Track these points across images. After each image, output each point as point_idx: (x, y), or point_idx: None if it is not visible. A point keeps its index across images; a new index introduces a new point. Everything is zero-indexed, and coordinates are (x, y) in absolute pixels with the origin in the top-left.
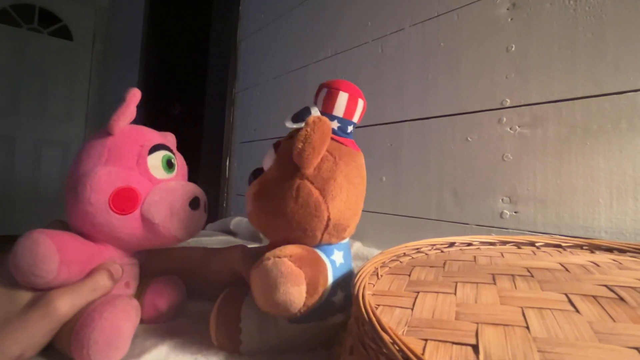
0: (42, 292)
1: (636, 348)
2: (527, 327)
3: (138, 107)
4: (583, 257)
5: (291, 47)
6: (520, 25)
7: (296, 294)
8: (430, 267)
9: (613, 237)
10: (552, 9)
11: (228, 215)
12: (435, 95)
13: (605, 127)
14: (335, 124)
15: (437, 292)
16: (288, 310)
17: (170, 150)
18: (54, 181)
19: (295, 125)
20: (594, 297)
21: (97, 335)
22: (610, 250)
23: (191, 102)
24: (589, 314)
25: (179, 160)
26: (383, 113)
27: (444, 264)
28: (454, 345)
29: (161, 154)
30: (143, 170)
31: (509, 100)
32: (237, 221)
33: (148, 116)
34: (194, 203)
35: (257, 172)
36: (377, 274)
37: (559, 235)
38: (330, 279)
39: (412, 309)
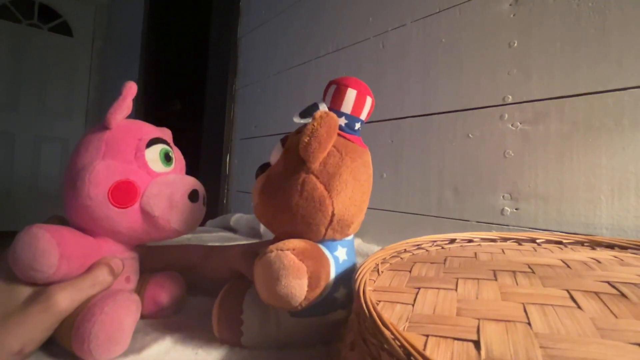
0: (42, 287)
1: (638, 344)
2: (529, 323)
3: (138, 103)
4: (584, 254)
5: (292, 43)
6: (522, 21)
7: (298, 287)
8: (431, 263)
9: (614, 234)
10: (555, 5)
11: (228, 212)
12: (437, 91)
13: (608, 124)
14: (342, 121)
15: (438, 288)
16: (289, 303)
17: (168, 144)
18: (53, 177)
19: (303, 121)
20: (596, 293)
21: (97, 330)
22: (611, 247)
23: (191, 98)
24: (590, 310)
25: (176, 154)
26: (384, 109)
27: (445, 260)
28: (455, 341)
29: (159, 148)
30: (141, 164)
31: (510, 97)
32: (238, 218)
33: (148, 113)
34: (193, 196)
35: (265, 167)
36: (378, 270)
37: (560, 232)
38: (333, 275)
39: (413, 305)
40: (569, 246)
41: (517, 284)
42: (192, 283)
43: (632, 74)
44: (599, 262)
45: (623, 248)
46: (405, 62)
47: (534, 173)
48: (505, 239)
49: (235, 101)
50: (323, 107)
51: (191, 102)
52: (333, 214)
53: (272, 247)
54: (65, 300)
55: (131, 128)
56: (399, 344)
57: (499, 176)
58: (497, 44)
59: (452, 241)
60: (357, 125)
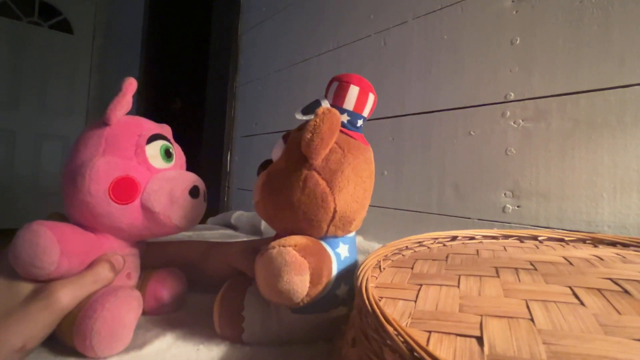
0: (43, 284)
1: None
2: (532, 320)
3: (139, 101)
4: (586, 251)
5: (293, 40)
6: (525, 18)
7: (299, 283)
8: (433, 260)
9: (616, 232)
10: (558, 2)
11: (229, 209)
12: (438, 89)
13: (610, 121)
14: (345, 117)
15: (440, 285)
16: (291, 299)
17: (168, 140)
18: (54, 175)
19: (305, 117)
20: (599, 290)
21: (99, 326)
22: (613, 244)
23: (192, 96)
24: (594, 306)
25: (177, 150)
26: (385, 107)
27: (447, 257)
28: (458, 337)
29: (159, 144)
30: (142, 160)
31: (512, 94)
32: (238, 215)
33: (149, 110)
34: (193, 191)
35: (266, 163)
36: (380, 267)
37: (562, 229)
38: (335, 272)
39: (415, 302)
40: (571, 244)
41: (519, 280)
42: (192, 279)
43: (634, 72)
44: (601, 259)
45: (625, 245)
46: (407, 60)
47: (535, 170)
48: (507, 237)
49: (236, 99)
50: (325, 104)
51: (192, 99)
52: (335, 211)
53: (273, 243)
54: (66, 297)
55: (131, 124)
56: (402, 339)
57: (500, 174)
58: (499, 41)
59: (454, 238)
60: (360, 122)
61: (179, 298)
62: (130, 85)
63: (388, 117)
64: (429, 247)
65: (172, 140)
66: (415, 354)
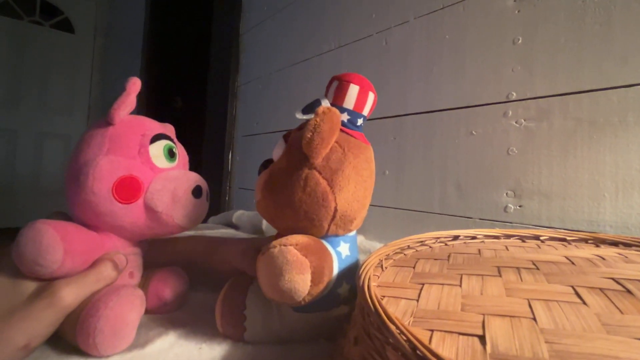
0: (47, 283)
1: None
2: (534, 319)
3: (140, 100)
4: (588, 251)
5: (294, 40)
6: (527, 17)
7: (301, 282)
8: (435, 259)
9: (618, 231)
10: (560, 1)
11: (230, 209)
12: (440, 88)
13: (612, 121)
14: (345, 117)
15: (442, 284)
16: (292, 298)
17: (171, 140)
18: (55, 174)
19: (305, 117)
20: (601, 289)
21: (102, 325)
22: (615, 244)
23: (193, 95)
24: (596, 306)
25: (180, 150)
26: (387, 106)
27: (449, 256)
28: (461, 336)
29: (163, 143)
30: (145, 160)
31: (514, 94)
32: (239, 214)
33: (150, 109)
34: (196, 191)
35: (267, 163)
36: (382, 266)
37: (564, 229)
38: (336, 270)
39: (418, 301)
40: (573, 243)
41: (521, 280)
42: (194, 277)
43: (637, 71)
44: (603, 259)
45: (627, 245)
46: (409, 59)
47: (537, 170)
48: (508, 236)
49: (237, 98)
50: (325, 103)
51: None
52: (336, 210)
53: (275, 242)
54: (70, 295)
55: (134, 124)
56: (404, 338)
57: (502, 173)
58: (501, 41)
59: (456, 238)
60: (360, 121)
61: (181, 297)
62: (134, 85)
63: (389, 116)
64: (430, 247)
65: (175, 139)
66: (418, 352)
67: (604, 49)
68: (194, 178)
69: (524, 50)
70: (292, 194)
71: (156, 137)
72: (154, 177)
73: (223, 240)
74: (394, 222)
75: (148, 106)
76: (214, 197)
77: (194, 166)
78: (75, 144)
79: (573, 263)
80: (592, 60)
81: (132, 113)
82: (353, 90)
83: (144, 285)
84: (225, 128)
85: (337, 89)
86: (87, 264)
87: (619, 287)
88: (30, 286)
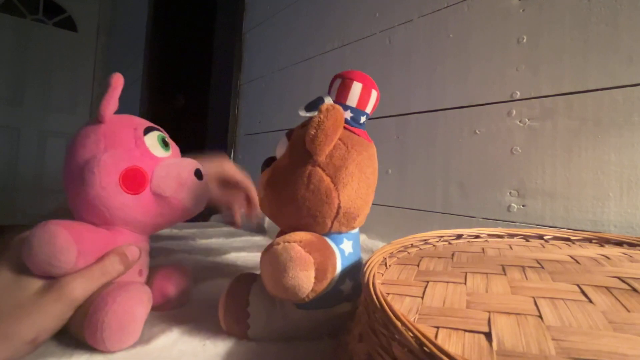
0: (54, 278)
1: None
2: (540, 316)
3: (142, 98)
4: (593, 250)
5: (297, 38)
6: (532, 16)
7: (304, 278)
8: (439, 258)
9: (622, 231)
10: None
11: None
12: (444, 87)
13: (617, 120)
14: (348, 114)
15: (447, 282)
16: (296, 294)
17: (159, 130)
18: (58, 172)
19: (308, 114)
20: (607, 288)
21: (110, 320)
22: (620, 244)
23: (196, 94)
24: (602, 304)
25: (170, 140)
26: (390, 105)
27: (453, 255)
28: (467, 333)
29: (156, 134)
30: (143, 150)
31: (519, 93)
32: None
33: (152, 108)
34: (198, 173)
35: (270, 161)
36: (386, 264)
37: (568, 229)
38: (339, 267)
39: (422, 298)
40: (577, 243)
41: (526, 278)
42: (198, 273)
43: None
44: (608, 258)
45: (632, 245)
46: (412, 58)
47: (541, 170)
48: (512, 235)
49: (239, 97)
50: (328, 101)
51: (196, 97)
52: (339, 207)
53: (278, 239)
54: (78, 288)
55: (123, 119)
56: (411, 334)
57: (505, 173)
58: (505, 40)
59: (459, 237)
60: (363, 119)
61: (184, 293)
62: (119, 80)
63: (393, 115)
64: (434, 245)
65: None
66: (425, 348)
67: (609, 48)
68: (192, 162)
69: (529, 50)
70: (295, 191)
71: (148, 129)
72: (155, 165)
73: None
74: (397, 221)
75: (150, 105)
76: None
77: None
78: (66, 147)
79: (578, 262)
80: (597, 60)
81: (134, 110)
82: (356, 87)
83: (148, 282)
84: (228, 126)
85: (340, 86)
86: None
87: (625, 286)
88: (36, 282)
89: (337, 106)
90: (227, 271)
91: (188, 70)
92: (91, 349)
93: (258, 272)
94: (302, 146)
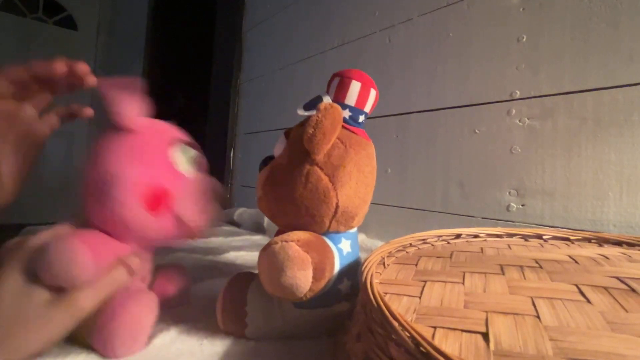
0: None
1: None
2: (538, 316)
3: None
4: (592, 250)
5: (297, 37)
6: (532, 15)
7: (302, 277)
8: (437, 257)
9: (622, 231)
10: None
11: (232, 206)
12: (443, 86)
13: (617, 120)
14: (346, 113)
15: (445, 282)
16: (294, 293)
17: (189, 143)
18: (58, 171)
19: (306, 113)
20: (605, 288)
21: (122, 330)
22: (619, 243)
23: (196, 93)
24: (600, 304)
25: (197, 152)
26: (390, 104)
27: (451, 254)
28: (464, 333)
29: (183, 149)
30: (170, 168)
31: (518, 92)
32: (241, 212)
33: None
34: (217, 197)
35: (268, 160)
36: (384, 264)
37: (567, 228)
38: (337, 267)
39: (420, 298)
40: (576, 243)
41: (524, 278)
42: (197, 273)
43: None
44: (607, 258)
45: (631, 245)
46: (412, 57)
47: (540, 169)
48: (511, 235)
49: (239, 96)
50: (327, 100)
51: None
52: (337, 206)
53: (276, 238)
54: (87, 300)
55: (155, 130)
56: (408, 334)
57: (505, 172)
58: (505, 39)
59: (458, 236)
60: (361, 118)
61: (183, 293)
62: (140, 86)
63: (392, 114)
64: (432, 245)
65: (191, 141)
66: (421, 348)
67: (609, 47)
68: (215, 184)
69: (529, 49)
70: (293, 190)
71: (178, 143)
72: (181, 185)
73: None
74: (396, 220)
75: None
76: None
77: None
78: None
79: (577, 262)
80: (598, 59)
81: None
82: (355, 86)
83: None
84: (228, 125)
85: (338, 85)
86: None
87: (623, 286)
88: (45, 292)
89: (336, 105)
90: (226, 270)
91: (188, 69)
92: (88, 347)
93: (256, 272)
94: (300, 145)
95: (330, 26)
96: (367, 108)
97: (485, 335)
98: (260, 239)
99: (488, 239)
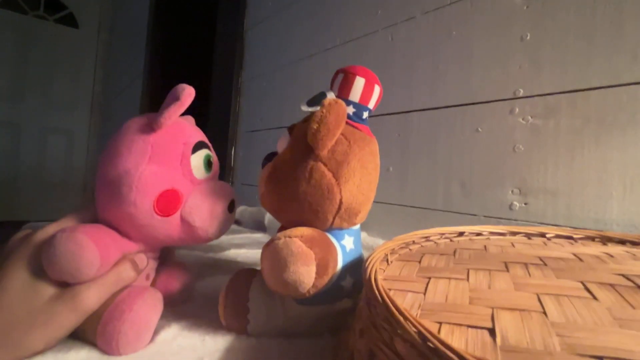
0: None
1: None
2: (544, 313)
3: (142, 96)
4: (596, 249)
5: (299, 36)
6: (536, 14)
7: (305, 273)
8: (441, 254)
9: (625, 230)
10: None
11: None
12: (446, 85)
13: (621, 119)
14: (350, 109)
15: (449, 278)
16: (297, 289)
17: (208, 146)
18: (58, 168)
19: (310, 109)
20: (611, 285)
21: (127, 328)
22: (622, 242)
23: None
24: (606, 300)
25: (214, 157)
26: (391, 103)
27: (455, 252)
28: (470, 329)
29: (203, 153)
30: (186, 171)
31: (522, 91)
32: (242, 210)
33: (153, 105)
34: (231, 206)
35: (271, 156)
36: (387, 260)
37: (570, 227)
38: (340, 263)
39: (425, 294)
40: (580, 241)
41: (529, 275)
42: (199, 269)
43: None
44: (612, 256)
45: (635, 244)
46: (414, 55)
47: (543, 168)
48: (514, 233)
49: (241, 94)
50: (331, 96)
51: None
52: (341, 202)
53: (279, 234)
54: (93, 298)
55: (177, 130)
56: (414, 329)
57: (507, 170)
58: (508, 37)
59: (461, 234)
60: (365, 114)
61: (187, 290)
62: (190, 96)
63: (394, 112)
64: (436, 242)
65: (209, 144)
66: (428, 343)
67: (613, 46)
68: (229, 192)
69: (532, 47)
70: (296, 186)
71: (197, 146)
72: (193, 189)
73: None
74: (398, 219)
75: (151, 102)
76: None
77: None
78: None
79: (581, 260)
80: (602, 57)
81: (133, 108)
82: (359, 82)
83: (152, 281)
84: (229, 123)
85: (342, 81)
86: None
87: (629, 283)
88: (51, 287)
89: (340, 101)
90: (227, 267)
91: (189, 67)
92: (90, 344)
93: (258, 268)
94: (303, 141)
95: (332, 25)
96: (371, 104)
97: (492, 331)
98: (261, 237)
99: (491, 236)
